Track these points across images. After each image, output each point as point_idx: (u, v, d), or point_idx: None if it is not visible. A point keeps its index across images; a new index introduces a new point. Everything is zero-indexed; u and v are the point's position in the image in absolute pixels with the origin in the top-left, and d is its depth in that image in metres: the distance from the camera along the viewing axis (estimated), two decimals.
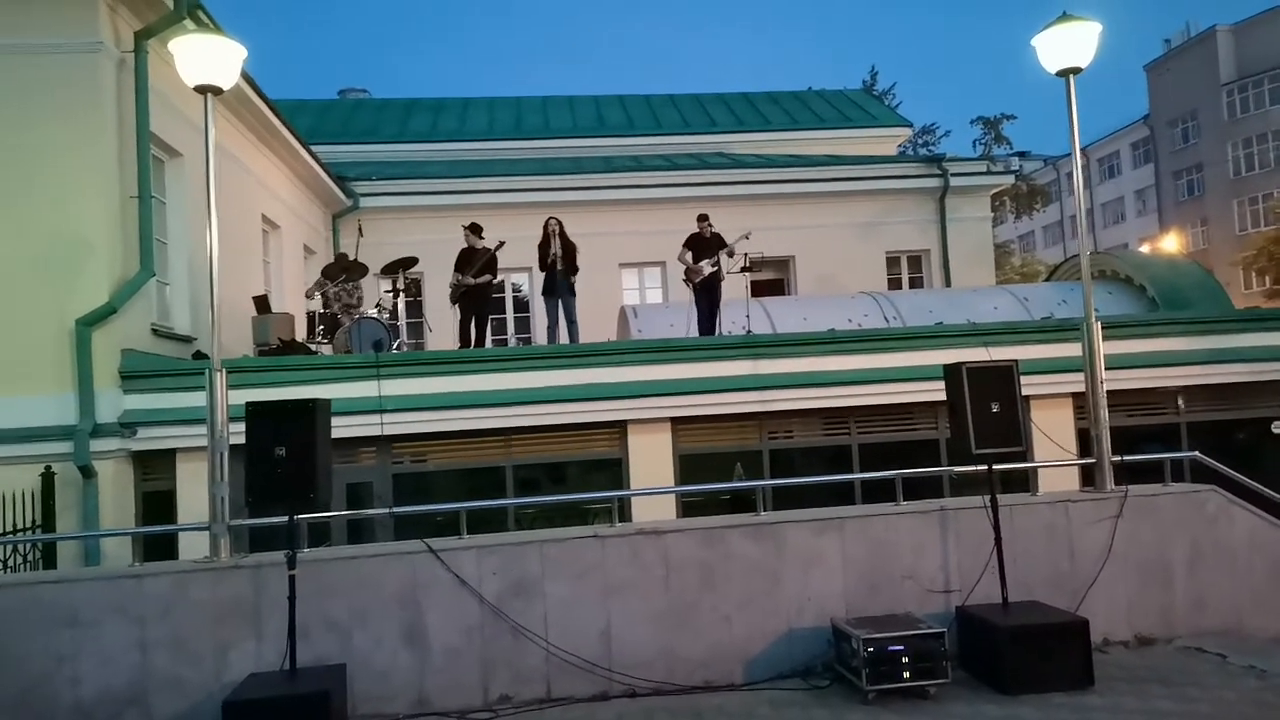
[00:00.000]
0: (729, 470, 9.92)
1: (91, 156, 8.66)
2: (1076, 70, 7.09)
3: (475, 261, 11.21)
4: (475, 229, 11.48)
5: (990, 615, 5.90)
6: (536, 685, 5.89)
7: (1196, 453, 7.36)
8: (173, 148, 10.24)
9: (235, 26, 7.08)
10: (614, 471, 9.68)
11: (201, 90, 6.37)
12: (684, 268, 11.97)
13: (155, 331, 9.55)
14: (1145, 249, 40.52)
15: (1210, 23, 45.93)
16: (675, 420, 9.74)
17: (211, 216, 6.31)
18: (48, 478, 8.17)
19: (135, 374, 8.78)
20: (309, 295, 12.18)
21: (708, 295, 11.77)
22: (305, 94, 24.18)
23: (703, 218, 11.99)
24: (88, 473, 8.29)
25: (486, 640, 5.89)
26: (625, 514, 8.88)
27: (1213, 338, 10.39)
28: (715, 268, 11.68)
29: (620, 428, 9.70)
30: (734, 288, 12.02)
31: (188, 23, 8.89)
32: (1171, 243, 42.62)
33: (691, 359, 9.76)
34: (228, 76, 6.44)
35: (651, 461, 9.60)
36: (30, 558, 7.61)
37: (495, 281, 11.70)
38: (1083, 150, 7.61)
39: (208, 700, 5.51)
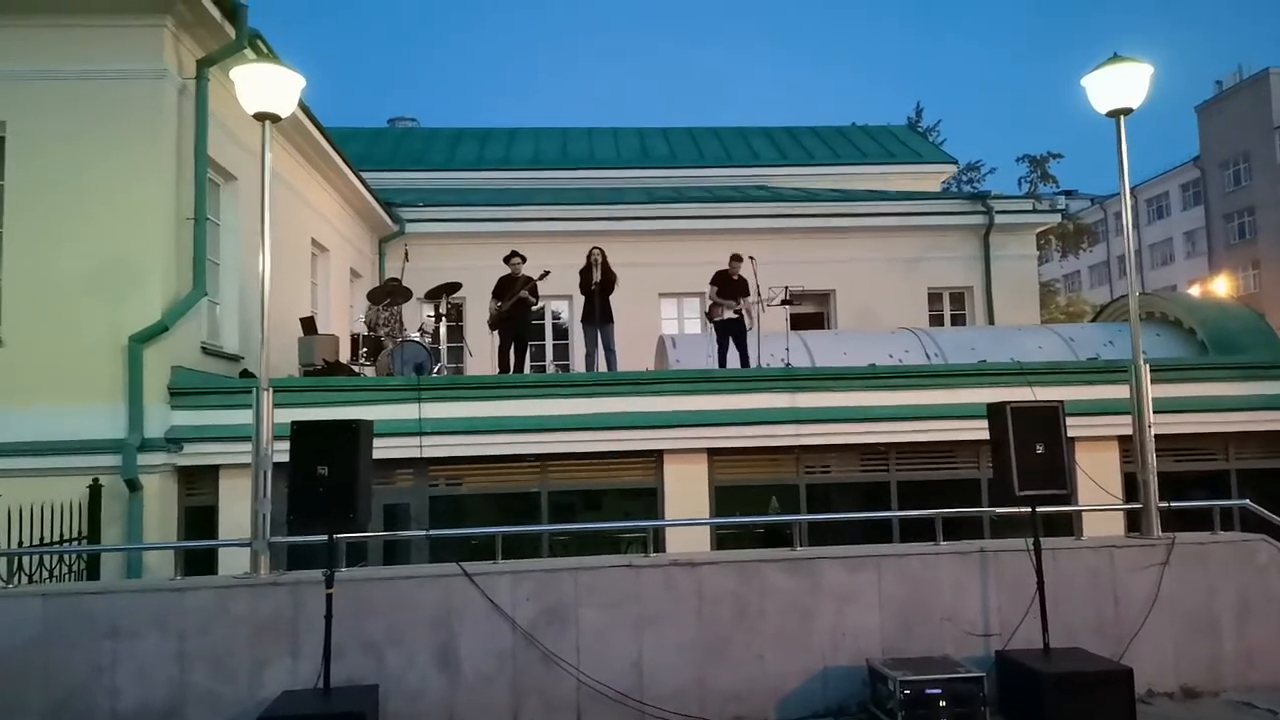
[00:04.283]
0: (765, 503, 9.85)
1: (151, 179, 8.91)
2: (1127, 111, 7.03)
3: (515, 289, 11.32)
4: (515, 257, 11.58)
5: (1031, 661, 5.78)
6: (567, 714, 5.86)
7: (1247, 501, 7.18)
8: (228, 171, 10.52)
9: (290, 55, 7.27)
10: (649, 501, 9.66)
11: (260, 117, 6.55)
12: (709, 304, 11.92)
13: (205, 350, 9.77)
14: (1195, 291, 39.76)
15: (1264, 64, 45.28)
16: (711, 451, 9.71)
17: (265, 240, 6.47)
18: (95, 489, 8.34)
19: (184, 390, 8.98)
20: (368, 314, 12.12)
21: (729, 337, 11.64)
22: (356, 122, 24.74)
23: (735, 258, 11.84)
24: (134, 486, 8.46)
25: (518, 666, 5.88)
26: (659, 544, 8.86)
27: (1265, 383, 10.16)
28: (736, 314, 11.61)
29: (656, 457, 9.69)
30: (774, 321, 11.99)
31: (248, 52, 9.17)
32: (1222, 285, 41.75)
33: (729, 390, 9.74)
34: (286, 105, 6.62)
35: (687, 492, 9.57)
36: (75, 568, 7.76)
37: (536, 306, 11.79)
38: (1131, 190, 7.52)
39: (241, 716, 5.56)
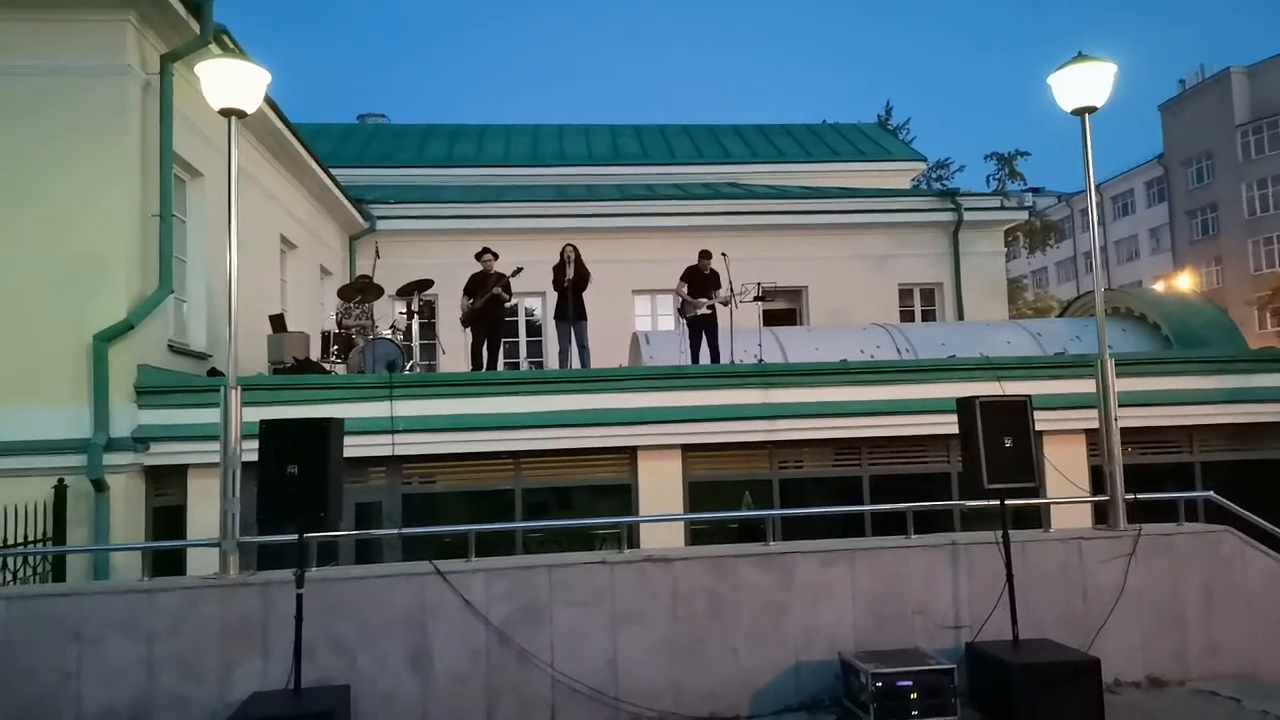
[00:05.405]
0: (738, 499, 9.88)
1: (115, 176, 8.76)
2: (1092, 109, 7.12)
3: (487, 286, 11.26)
4: (487, 253, 11.52)
5: (1001, 652, 5.84)
6: (542, 712, 5.84)
7: (1211, 493, 7.31)
8: (194, 168, 10.37)
9: (257, 50, 7.19)
10: (623, 497, 9.65)
11: (226, 113, 6.46)
12: (680, 301, 11.96)
13: (171, 348, 9.62)
14: (1159, 287, 40.43)
15: (1225, 64, 46.14)
16: (685, 447, 9.72)
17: (232, 237, 6.38)
18: (60, 490, 8.20)
19: (150, 389, 8.84)
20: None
21: (702, 332, 11.71)
22: (325, 118, 24.51)
23: (705, 254, 11.89)
24: (100, 486, 8.32)
25: (492, 665, 5.86)
26: (634, 540, 8.87)
27: (1228, 377, 10.34)
28: (710, 310, 11.66)
29: (630, 453, 9.69)
30: (746, 317, 12.03)
31: (213, 47, 9.04)
32: (1186, 281, 42.53)
33: (703, 386, 9.76)
34: (252, 100, 6.54)
35: (661, 488, 9.58)
36: (40, 570, 7.62)
37: (509, 303, 11.74)
38: (1097, 188, 7.63)
39: (211, 719, 5.49)
